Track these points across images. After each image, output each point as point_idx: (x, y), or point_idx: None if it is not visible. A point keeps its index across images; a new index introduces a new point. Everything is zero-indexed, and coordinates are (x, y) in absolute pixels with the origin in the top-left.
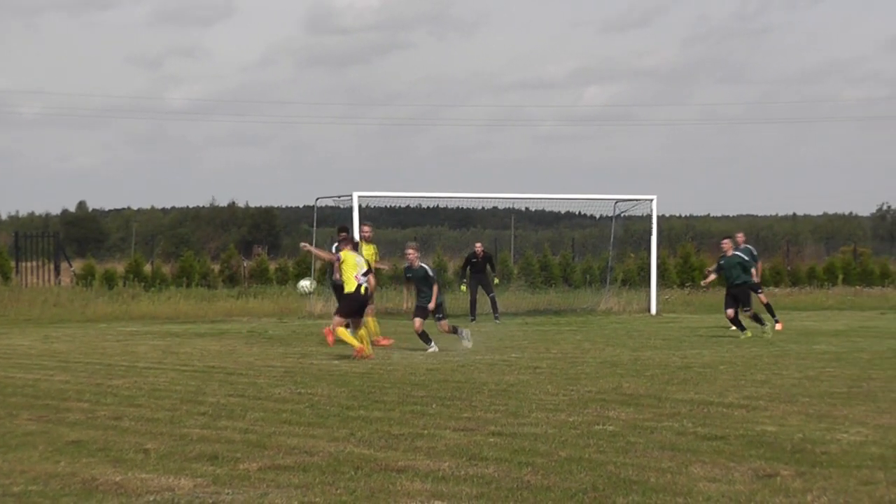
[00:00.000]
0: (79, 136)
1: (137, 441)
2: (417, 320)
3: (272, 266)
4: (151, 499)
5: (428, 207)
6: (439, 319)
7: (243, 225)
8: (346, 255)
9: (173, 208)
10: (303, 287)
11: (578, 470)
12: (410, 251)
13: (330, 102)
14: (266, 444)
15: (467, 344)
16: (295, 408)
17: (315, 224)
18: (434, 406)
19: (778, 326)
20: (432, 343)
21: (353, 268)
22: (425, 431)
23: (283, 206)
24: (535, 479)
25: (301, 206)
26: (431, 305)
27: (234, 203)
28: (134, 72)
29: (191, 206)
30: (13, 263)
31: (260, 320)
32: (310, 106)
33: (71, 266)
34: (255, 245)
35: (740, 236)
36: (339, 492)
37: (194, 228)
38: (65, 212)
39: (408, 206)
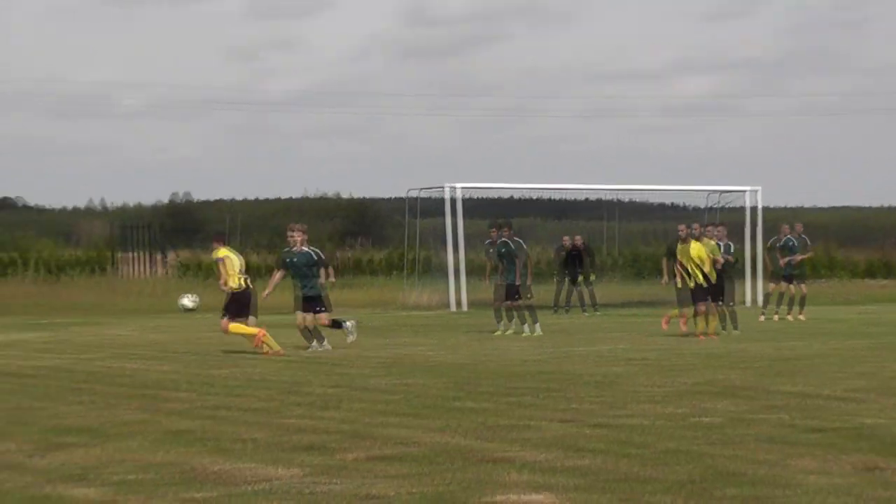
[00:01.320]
0: (178, 127)
1: (238, 431)
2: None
3: (367, 257)
4: (252, 488)
5: (522, 199)
6: (318, 312)
7: (338, 216)
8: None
9: (275, 199)
10: (183, 304)
11: (677, 462)
12: (295, 233)
13: (426, 94)
14: (366, 435)
15: (351, 338)
16: (394, 398)
17: (407, 215)
18: (532, 397)
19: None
20: (326, 340)
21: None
22: (523, 422)
23: (378, 198)
24: (634, 471)
25: (394, 197)
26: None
27: (326, 194)
28: (232, 63)
29: (283, 197)
30: (115, 254)
31: (357, 311)
32: (405, 98)
33: (168, 257)
34: (353, 236)
35: (799, 226)
36: (437, 482)
37: (294, 219)
38: (165, 202)
39: (499, 198)
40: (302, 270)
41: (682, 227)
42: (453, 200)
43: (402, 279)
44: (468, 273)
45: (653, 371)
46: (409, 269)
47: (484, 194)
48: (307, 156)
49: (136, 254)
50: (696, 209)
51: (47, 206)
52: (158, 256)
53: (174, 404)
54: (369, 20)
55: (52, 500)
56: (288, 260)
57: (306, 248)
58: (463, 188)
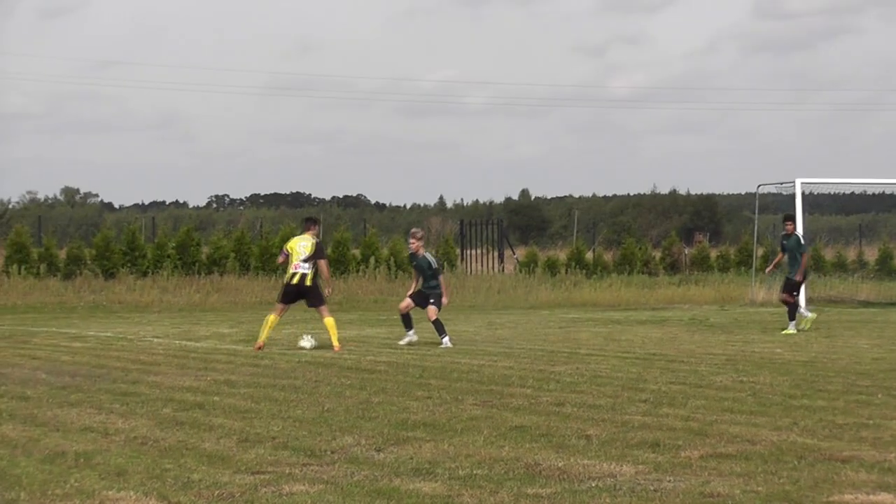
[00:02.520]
0: (522, 124)
1: (579, 427)
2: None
3: (713, 253)
4: (594, 484)
5: (873, 194)
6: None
7: (684, 212)
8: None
9: (614, 196)
10: (304, 345)
11: None
12: (413, 240)
13: (774, 88)
14: (707, 432)
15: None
16: (737, 396)
17: (756, 211)
18: (880, 396)
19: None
20: (445, 336)
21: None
22: (871, 421)
23: (725, 193)
24: None
25: (743, 192)
26: (445, 301)
27: (675, 190)
28: (578, 60)
29: (632, 193)
30: (458, 251)
31: (701, 308)
32: (753, 92)
33: (514, 253)
34: (697, 232)
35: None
36: (781, 481)
37: (635, 216)
38: (508, 200)
39: (852, 193)
40: (425, 273)
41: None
42: (803, 196)
43: (749, 276)
44: (812, 270)
45: None
46: (757, 266)
47: (833, 189)
48: (651, 152)
49: (480, 250)
50: None
51: (395, 204)
52: (507, 252)
53: (517, 400)
54: (719, 14)
55: (399, 493)
56: (413, 264)
57: (423, 254)
58: (813, 183)
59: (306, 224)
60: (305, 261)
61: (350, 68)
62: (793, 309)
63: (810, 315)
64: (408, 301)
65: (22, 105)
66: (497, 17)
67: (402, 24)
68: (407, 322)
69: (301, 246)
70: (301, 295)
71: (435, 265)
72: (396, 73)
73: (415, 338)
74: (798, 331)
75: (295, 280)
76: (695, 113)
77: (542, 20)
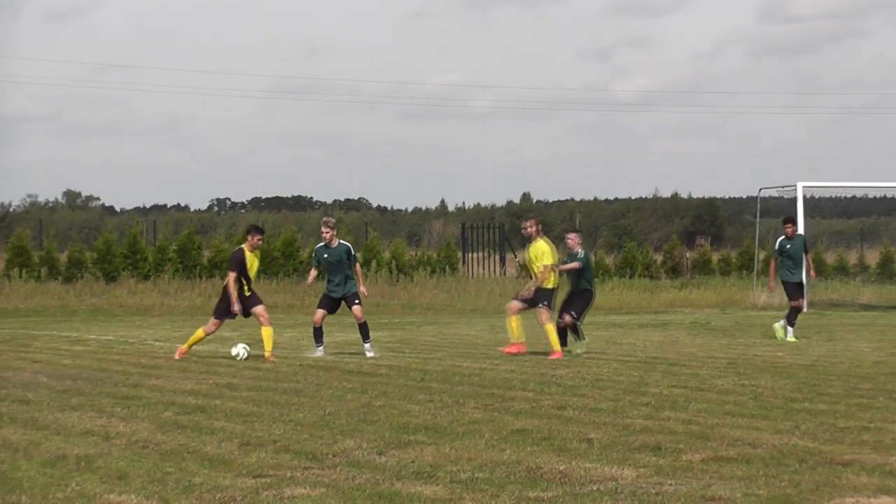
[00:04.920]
0: (527, 128)
1: (581, 431)
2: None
3: (715, 257)
4: (595, 488)
5: (875, 197)
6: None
7: (686, 216)
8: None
9: (616, 199)
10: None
11: None
12: (326, 228)
13: (779, 92)
14: (709, 436)
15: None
16: (738, 399)
17: (758, 215)
18: (881, 399)
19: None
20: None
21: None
22: (872, 425)
23: (727, 197)
24: None
25: (745, 196)
26: (364, 291)
27: (677, 194)
28: (584, 63)
29: (634, 196)
30: (460, 254)
31: (703, 311)
32: (759, 96)
33: (516, 257)
34: (698, 236)
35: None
36: (783, 484)
37: (637, 219)
38: (510, 203)
39: (853, 197)
40: (342, 264)
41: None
42: (804, 199)
43: (750, 279)
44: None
45: None
46: (759, 269)
47: (835, 193)
48: (655, 156)
49: (482, 254)
50: None
51: (396, 207)
52: (508, 256)
53: (518, 404)
54: (726, 18)
55: (401, 496)
56: (326, 255)
57: (338, 242)
58: (815, 187)
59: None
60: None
61: (355, 72)
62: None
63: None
64: (321, 312)
65: (26, 108)
66: (504, 21)
67: (409, 27)
68: (319, 335)
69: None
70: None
71: (354, 251)
72: (401, 76)
73: (324, 353)
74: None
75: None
76: (699, 116)
77: (549, 23)
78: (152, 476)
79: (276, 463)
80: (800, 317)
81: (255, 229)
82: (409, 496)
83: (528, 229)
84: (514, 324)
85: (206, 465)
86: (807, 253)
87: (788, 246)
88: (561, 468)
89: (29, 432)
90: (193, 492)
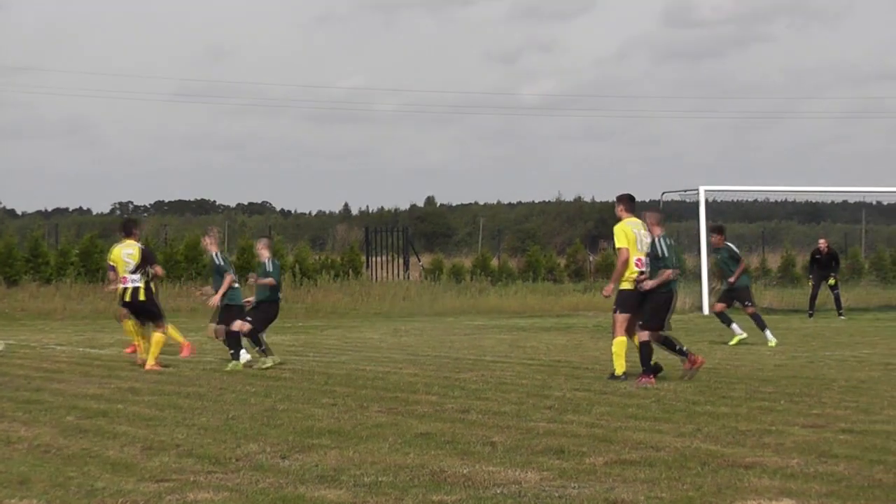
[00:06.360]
0: (431, 132)
1: (484, 434)
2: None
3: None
4: (498, 491)
5: (776, 201)
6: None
7: (590, 219)
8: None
9: (519, 203)
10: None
11: None
12: (210, 239)
13: (682, 96)
14: (612, 439)
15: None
16: (641, 402)
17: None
18: (782, 402)
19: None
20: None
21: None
22: (773, 428)
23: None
24: (887, 478)
25: (647, 200)
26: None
27: (580, 197)
28: (490, 67)
29: (537, 200)
30: (364, 258)
31: (606, 315)
32: (662, 100)
33: (419, 261)
34: (601, 240)
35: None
36: (685, 487)
37: (541, 223)
38: (413, 207)
39: (755, 201)
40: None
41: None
42: (706, 203)
43: None
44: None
45: None
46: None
47: (736, 197)
48: (558, 160)
49: (385, 257)
50: None
51: (300, 211)
52: (412, 260)
53: (424, 407)
54: (631, 22)
55: (304, 500)
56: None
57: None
58: (716, 191)
59: (126, 229)
60: (134, 272)
61: (260, 75)
62: (759, 319)
63: (741, 334)
64: (217, 327)
65: None
66: (410, 24)
67: (314, 30)
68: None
69: (126, 255)
70: (136, 311)
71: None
72: (307, 80)
73: (249, 357)
74: (739, 342)
75: (127, 296)
76: (604, 120)
77: (454, 27)
78: (54, 481)
79: (179, 467)
80: (700, 321)
81: (134, 223)
82: (312, 500)
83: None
84: None
85: (109, 470)
86: (739, 261)
87: (718, 257)
88: (464, 471)
89: None
90: (96, 496)
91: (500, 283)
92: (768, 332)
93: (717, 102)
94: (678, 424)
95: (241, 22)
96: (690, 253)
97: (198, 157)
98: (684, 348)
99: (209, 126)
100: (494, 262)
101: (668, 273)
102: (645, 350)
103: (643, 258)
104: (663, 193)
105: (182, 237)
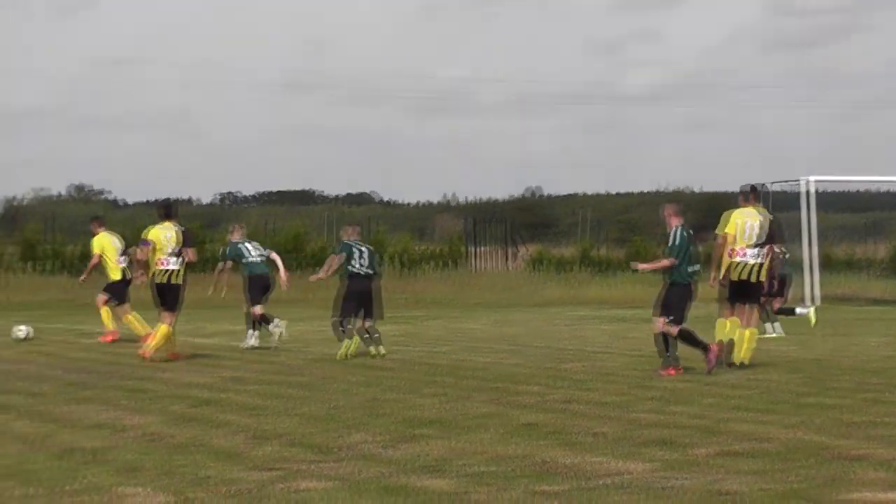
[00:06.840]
0: (534, 122)
1: (589, 425)
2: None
3: None
4: (605, 482)
5: (884, 192)
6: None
7: (695, 210)
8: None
9: (624, 193)
10: (17, 333)
11: None
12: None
13: (789, 86)
14: (717, 430)
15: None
16: (747, 394)
17: (770, 209)
18: (891, 394)
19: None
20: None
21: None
22: (880, 419)
23: (734, 192)
24: None
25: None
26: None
27: (688, 188)
28: (592, 58)
29: (642, 191)
30: (464, 248)
31: (709, 305)
32: (768, 90)
33: (527, 251)
34: (704, 231)
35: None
36: (792, 479)
37: (644, 213)
38: (516, 197)
39: (861, 191)
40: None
41: None
42: (808, 194)
43: None
44: (823, 268)
45: None
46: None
47: (842, 187)
48: (663, 150)
49: (488, 248)
50: None
51: (402, 202)
52: (511, 251)
53: (525, 398)
54: (736, 11)
55: (408, 490)
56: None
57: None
58: (822, 181)
59: (166, 210)
60: (176, 254)
61: (363, 66)
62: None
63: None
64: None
65: (34, 102)
66: (510, 15)
67: (416, 21)
68: (266, 320)
69: (165, 237)
70: (164, 293)
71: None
72: (409, 70)
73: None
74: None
75: (163, 278)
76: (708, 110)
77: (556, 17)
78: (163, 469)
79: (285, 456)
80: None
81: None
82: (417, 490)
83: None
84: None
85: (217, 458)
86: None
87: None
88: (569, 462)
89: (40, 425)
90: (204, 484)
91: (603, 274)
92: (769, 325)
93: (822, 92)
94: (784, 416)
95: (344, 13)
96: (794, 244)
97: (301, 147)
98: (705, 342)
99: (312, 117)
100: (597, 253)
101: (665, 262)
102: (664, 341)
103: (742, 248)
104: (771, 184)
105: (283, 227)
